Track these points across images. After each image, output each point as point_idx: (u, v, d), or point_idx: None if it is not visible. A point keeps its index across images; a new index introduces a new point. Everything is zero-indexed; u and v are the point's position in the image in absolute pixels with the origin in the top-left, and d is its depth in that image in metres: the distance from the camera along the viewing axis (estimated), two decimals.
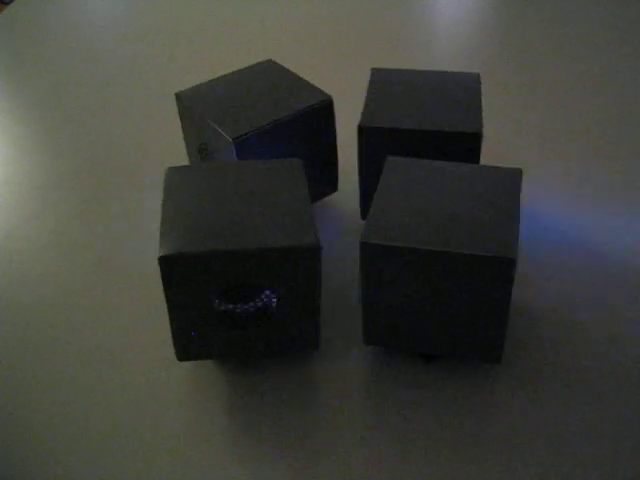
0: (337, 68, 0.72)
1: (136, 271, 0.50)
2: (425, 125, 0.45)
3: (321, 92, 0.48)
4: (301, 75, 0.70)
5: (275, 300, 0.40)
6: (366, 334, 0.41)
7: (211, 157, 0.49)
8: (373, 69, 0.51)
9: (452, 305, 0.38)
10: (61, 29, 0.82)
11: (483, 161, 0.57)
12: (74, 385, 0.42)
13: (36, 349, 0.45)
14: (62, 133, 0.64)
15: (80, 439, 0.39)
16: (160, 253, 0.37)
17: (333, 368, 0.43)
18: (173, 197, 0.40)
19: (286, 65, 0.72)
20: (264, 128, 0.46)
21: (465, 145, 0.45)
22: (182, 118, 0.51)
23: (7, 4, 1.54)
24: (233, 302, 0.41)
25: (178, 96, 0.49)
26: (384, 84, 0.49)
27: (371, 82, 0.49)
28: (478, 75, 0.50)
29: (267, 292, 0.41)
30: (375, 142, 0.46)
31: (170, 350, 0.44)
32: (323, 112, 0.48)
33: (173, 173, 0.42)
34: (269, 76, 0.50)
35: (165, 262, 0.37)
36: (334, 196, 0.55)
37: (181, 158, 0.60)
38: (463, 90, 0.48)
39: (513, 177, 0.41)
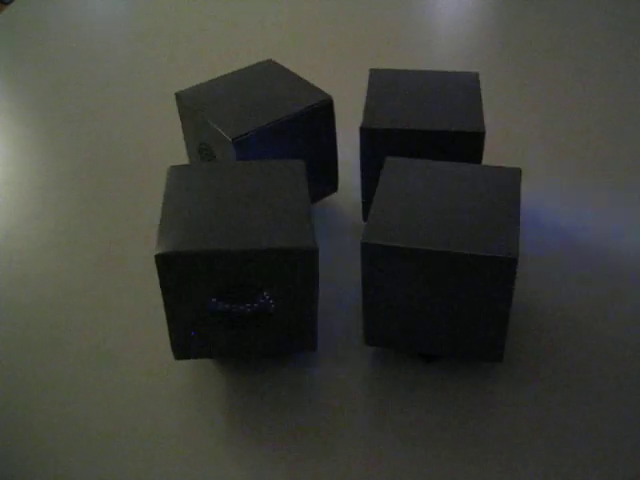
0: (337, 68, 0.72)
1: (136, 271, 0.50)
2: (428, 125, 0.45)
3: (321, 92, 0.48)
4: (301, 75, 0.70)
5: (272, 301, 0.40)
6: (367, 334, 0.41)
7: (211, 157, 0.49)
8: (371, 70, 0.51)
9: (453, 305, 0.38)
10: (61, 29, 0.82)
11: (483, 161, 0.57)
12: (74, 385, 0.42)
13: (36, 349, 0.45)
14: (62, 133, 0.64)
15: (80, 439, 0.39)
16: (157, 251, 0.37)
17: (333, 368, 0.43)
18: (173, 196, 0.40)
19: (286, 65, 0.72)
20: (264, 128, 0.46)
21: (468, 144, 0.45)
22: (182, 118, 0.51)
23: (7, 4, 1.54)
24: (231, 302, 0.41)
25: (178, 96, 0.49)
26: (384, 85, 0.49)
27: (370, 83, 0.49)
28: (477, 74, 0.50)
29: (264, 293, 0.41)
30: (378, 143, 0.46)
31: (170, 350, 0.44)
32: (323, 112, 0.48)
33: (175, 172, 0.42)
34: (269, 76, 0.50)
35: (162, 260, 0.37)
36: (334, 196, 0.55)
37: (181, 158, 0.60)
38: (463, 90, 0.48)
39: (513, 177, 0.41)
